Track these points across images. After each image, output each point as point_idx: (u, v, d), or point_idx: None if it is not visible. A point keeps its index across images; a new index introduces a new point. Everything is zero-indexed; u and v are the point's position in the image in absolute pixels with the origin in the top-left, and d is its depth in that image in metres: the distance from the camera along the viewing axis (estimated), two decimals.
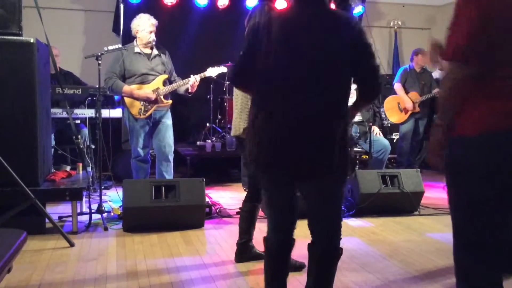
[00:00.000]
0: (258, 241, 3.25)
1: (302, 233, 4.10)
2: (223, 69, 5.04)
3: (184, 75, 4.91)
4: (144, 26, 4.67)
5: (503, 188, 1.76)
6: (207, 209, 4.45)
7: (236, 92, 3.24)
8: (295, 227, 2.30)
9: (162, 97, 4.70)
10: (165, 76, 4.79)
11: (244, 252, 3.33)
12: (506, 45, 1.72)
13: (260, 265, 3.24)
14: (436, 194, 5.62)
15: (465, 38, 1.72)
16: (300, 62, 2.08)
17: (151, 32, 4.68)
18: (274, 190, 2.24)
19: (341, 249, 2.27)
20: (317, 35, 2.08)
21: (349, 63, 2.07)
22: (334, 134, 2.05)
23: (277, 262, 2.31)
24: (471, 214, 1.80)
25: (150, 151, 4.95)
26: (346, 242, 3.77)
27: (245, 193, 5.68)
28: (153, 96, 4.64)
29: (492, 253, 1.79)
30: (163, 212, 4.02)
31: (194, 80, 4.73)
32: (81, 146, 4.24)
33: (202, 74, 4.87)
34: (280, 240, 2.29)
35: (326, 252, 2.23)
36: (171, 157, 4.83)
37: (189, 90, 4.79)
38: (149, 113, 4.68)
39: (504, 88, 1.73)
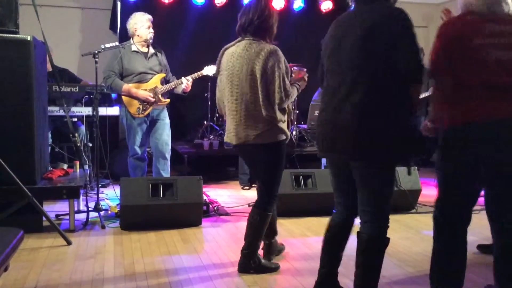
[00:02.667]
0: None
1: (300, 231, 4.12)
2: None
3: (182, 73, 4.90)
4: (142, 22, 4.67)
5: (461, 164, 2.35)
6: (205, 207, 4.45)
7: (237, 97, 2.98)
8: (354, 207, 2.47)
9: (160, 96, 4.70)
10: (163, 75, 4.80)
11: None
12: (458, 70, 2.34)
13: None
14: (433, 192, 5.62)
15: (433, 60, 2.41)
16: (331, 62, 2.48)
17: (149, 27, 4.69)
18: (332, 173, 2.56)
19: (379, 238, 2.39)
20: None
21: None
22: (356, 122, 2.26)
23: (329, 237, 2.60)
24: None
25: (147, 149, 4.95)
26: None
27: (243, 191, 5.74)
28: (153, 99, 4.64)
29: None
30: (161, 210, 4.02)
31: (186, 82, 4.73)
32: (78, 144, 4.24)
33: (199, 73, 4.87)
34: (337, 217, 2.58)
35: (358, 238, 2.41)
36: (168, 155, 4.83)
37: (184, 90, 4.81)
38: (147, 112, 4.68)
39: (458, 97, 2.36)
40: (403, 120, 2.29)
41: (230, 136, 3.07)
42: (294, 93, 3.04)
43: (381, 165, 2.32)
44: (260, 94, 2.89)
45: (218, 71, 3.16)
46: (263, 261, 3.12)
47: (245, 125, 2.95)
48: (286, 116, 3.04)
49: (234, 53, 3.00)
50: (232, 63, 3.00)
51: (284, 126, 3.00)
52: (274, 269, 3.13)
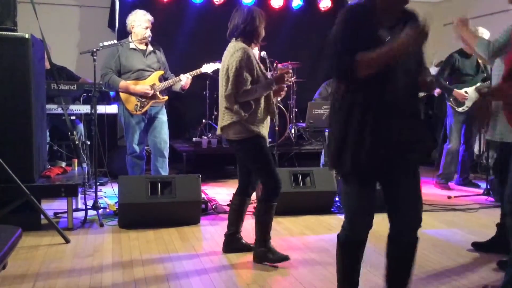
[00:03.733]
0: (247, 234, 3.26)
1: (299, 230, 4.11)
2: (218, 65, 5.02)
3: (181, 71, 4.90)
4: (140, 21, 4.66)
5: None
6: (203, 205, 4.45)
7: (219, 92, 3.23)
8: None
9: (158, 93, 4.69)
10: (161, 72, 4.79)
11: (230, 243, 3.40)
12: None
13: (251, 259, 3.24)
14: (430, 190, 5.64)
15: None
16: None
17: (147, 27, 4.67)
18: None
19: (339, 244, 2.39)
20: None
21: None
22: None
23: None
24: None
25: (145, 147, 4.95)
26: None
27: None
28: (151, 92, 4.63)
29: None
30: (159, 209, 4.02)
31: (185, 79, 4.74)
32: (77, 142, 4.23)
33: (197, 71, 4.86)
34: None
35: None
36: (166, 153, 4.82)
37: (183, 88, 4.81)
38: (145, 109, 4.67)
39: None
40: (346, 127, 2.12)
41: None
42: (259, 90, 3.11)
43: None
44: (224, 88, 3.12)
45: None
46: (273, 250, 3.20)
47: (221, 118, 3.21)
48: (260, 113, 3.13)
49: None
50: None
51: (251, 124, 3.09)
52: (284, 258, 3.19)
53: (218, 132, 3.28)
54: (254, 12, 3.16)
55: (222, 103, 3.18)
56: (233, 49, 3.12)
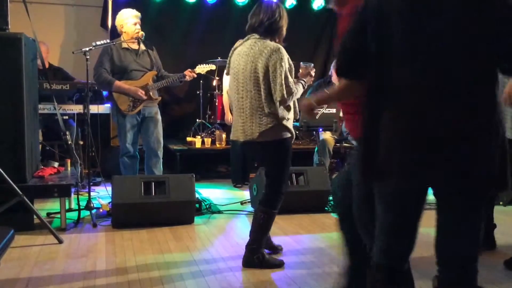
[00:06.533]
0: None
1: (293, 229, 4.11)
2: (212, 66, 5.04)
3: (174, 71, 4.88)
4: (128, 19, 4.63)
5: None
6: (197, 205, 4.44)
7: (242, 94, 3.04)
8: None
9: (151, 93, 4.68)
10: (154, 72, 4.77)
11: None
12: None
13: None
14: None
15: None
16: None
17: (135, 23, 4.64)
18: None
19: None
20: None
21: None
22: None
23: None
24: None
25: (139, 147, 4.93)
26: (337, 238, 3.80)
27: (235, 188, 5.74)
28: (144, 97, 4.61)
29: None
30: (153, 208, 4.01)
31: (190, 74, 4.74)
32: (69, 142, 4.21)
33: (193, 74, 4.87)
34: None
35: None
36: (160, 153, 4.81)
37: (186, 79, 4.80)
38: (137, 109, 4.65)
39: None
40: None
41: (237, 133, 3.13)
42: (299, 90, 3.07)
43: None
44: (262, 92, 2.95)
45: (228, 70, 3.23)
46: (267, 256, 3.14)
47: (251, 122, 3.01)
48: (291, 113, 3.07)
49: (240, 52, 3.08)
50: (238, 62, 3.07)
51: (288, 123, 3.03)
52: (278, 265, 3.14)
53: (249, 138, 3.01)
54: (282, 10, 3.07)
55: (254, 107, 2.97)
56: (269, 49, 2.95)
